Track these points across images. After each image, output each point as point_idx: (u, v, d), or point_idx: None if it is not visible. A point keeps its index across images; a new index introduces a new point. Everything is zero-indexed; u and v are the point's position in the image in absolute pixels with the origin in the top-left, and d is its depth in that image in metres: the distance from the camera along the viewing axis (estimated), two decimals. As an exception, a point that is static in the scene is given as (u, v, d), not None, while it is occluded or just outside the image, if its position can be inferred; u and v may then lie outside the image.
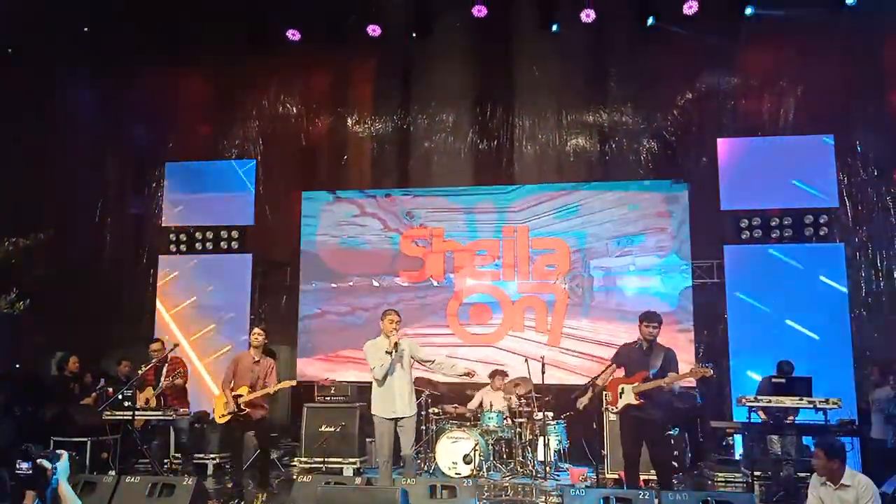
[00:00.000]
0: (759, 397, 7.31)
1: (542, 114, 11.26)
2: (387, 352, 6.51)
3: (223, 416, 7.38)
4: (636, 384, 6.41)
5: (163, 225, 11.37)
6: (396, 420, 6.55)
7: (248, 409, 7.28)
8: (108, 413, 8.03)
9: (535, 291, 10.70)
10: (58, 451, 3.31)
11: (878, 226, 10.05)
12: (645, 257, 10.37)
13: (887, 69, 10.14)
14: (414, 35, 10.77)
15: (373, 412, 6.69)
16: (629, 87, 10.89)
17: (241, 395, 7.30)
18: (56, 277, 10.96)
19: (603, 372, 6.62)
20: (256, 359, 7.54)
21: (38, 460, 3.22)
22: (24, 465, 3.21)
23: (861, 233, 10.07)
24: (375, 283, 11.10)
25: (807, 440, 7.76)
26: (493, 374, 9.46)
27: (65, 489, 3.24)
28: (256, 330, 7.71)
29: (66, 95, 11.57)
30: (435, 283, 10.97)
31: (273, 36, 10.87)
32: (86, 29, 11.13)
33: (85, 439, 8.48)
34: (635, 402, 6.39)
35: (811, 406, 6.94)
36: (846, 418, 7.57)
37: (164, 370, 8.37)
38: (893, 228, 10.01)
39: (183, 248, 11.21)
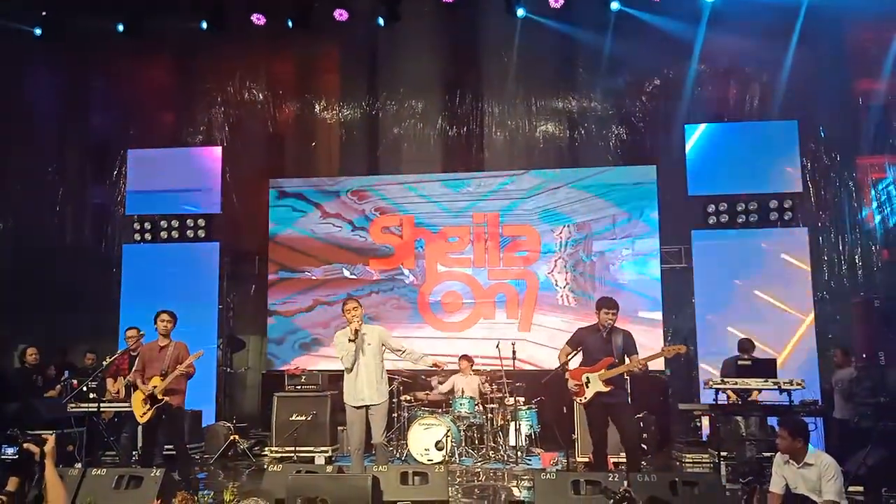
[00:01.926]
0: (726, 379, 7.41)
1: (511, 100, 11.27)
2: (349, 340, 6.50)
3: (144, 414, 6.89)
4: (602, 371, 6.41)
5: (126, 214, 11.13)
6: (367, 408, 6.54)
7: (166, 398, 6.85)
8: (73, 405, 7.88)
9: (507, 278, 10.74)
10: (44, 436, 3.22)
11: (841, 210, 10.24)
12: (612, 241, 10.49)
13: (850, 55, 10.30)
14: (381, 20, 10.66)
15: (344, 400, 6.68)
16: (597, 73, 10.93)
17: (155, 387, 6.85)
18: (18, 269, 10.72)
19: (568, 359, 6.61)
20: (163, 345, 7.05)
21: (25, 445, 3.13)
22: (10, 451, 3.12)
23: (824, 217, 10.25)
24: (347, 274, 11.03)
25: (771, 421, 7.89)
26: (461, 359, 9.47)
27: (52, 473, 3.16)
28: (164, 315, 7.11)
29: (25, 82, 11.27)
30: (406, 272, 10.94)
31: (237, 20, 10.70)
32: (44, 13, 10.85)
33: (50, 432, 8.29)
34: (605, 389, 6.37)
35: (775, 387, 7.06)
36: (809, 399, 7.71)
37: (138, 359, 8.15)
38: (855, 212, 10.21)
39: (148, 237, 10.98)
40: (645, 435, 8.46)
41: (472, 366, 9.40)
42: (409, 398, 9.12)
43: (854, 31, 10.13)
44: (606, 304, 6.57)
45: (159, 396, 6.81)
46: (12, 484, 3.12)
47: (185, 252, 10.84)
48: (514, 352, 8.43)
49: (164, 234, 10.93)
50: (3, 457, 3.12)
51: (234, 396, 11.37)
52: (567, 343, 6.73)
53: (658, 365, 9.20)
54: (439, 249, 10.91)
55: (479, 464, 8.43)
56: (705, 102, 10.67)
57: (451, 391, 9.22)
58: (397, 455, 8.73)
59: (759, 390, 7.38)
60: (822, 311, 9.66)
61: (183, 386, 7.04)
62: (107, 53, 11.06)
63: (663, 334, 10.15)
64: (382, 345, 6.71)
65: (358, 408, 6.55)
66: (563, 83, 11.17)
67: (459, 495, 6.96)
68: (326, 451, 8.90)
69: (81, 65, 11.27)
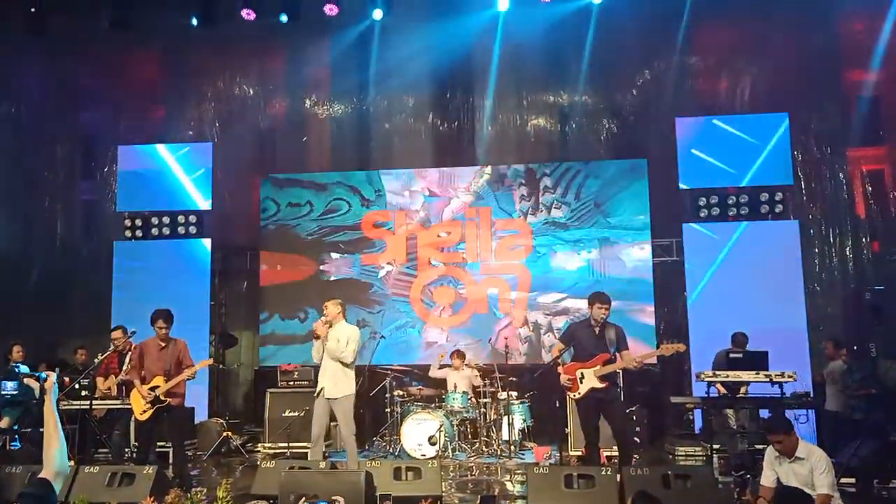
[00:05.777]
0: (717, 372, 7.43)
1: (501, 94, 11.24)
2: (314, 336, 6.80)
3: (144, 412, 6.83)
4: (598, 367, 6.38)
5: (117, 210, 11.05)
6: (329, 401, 6.66)
7: (168, 399, 6.82)
8: (65, 402, 7.83)
9: (499, 272, 10.73)
10: (45, 373, 3.19)
11: (832, 202, 10.26)
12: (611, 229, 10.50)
13: (841, 48, 10.33)
14: (372, 14, 10.63)
15: None
16: (587, 66, 10.91)
17: (157, 387, 6.79)
18: (8, 265, 10.66)
19: (560, 354, 6.61)
20: (163, 344, 6.96)
21: (26, 380, 3.11)
22: (10, 385, 3.09)
23: (815, 210, 10.27)
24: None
25: (763, 413, 7.92)
26: (453, 355, 9.46)
27: (51, 406, 3.13)
28: (160, 322, 6.94)
29: (13, 77, 11.19)
30: (396, 265, 10.92)
31: (227, 15, 10.64)
32: (32, 9, 10.75)
33: (40, 429, 8.24)
34: (600, 386, 6.33)
35: (767, 380, 7.08)
36: (801, 391, 7.75)
37: (128, 357, 8.12)
38: (846, 205, 10.24)
39: (139, 233, 10.90)
40: (637, 428, 8.48)
41: (464, 362, 9.39)
42: (401, 393, 9.11)
43: (845, 23, 10.15)
44: (599, 298, 6.52)
45: (162, 398, 6.81)
46: (5, 422, 3.11)
47: (176, 248, 10.79)
48: (506, 346, 8.45)
49: (155, 231, 10.86)
50: (3, 392, 3.09)
51: (226, 393, 11.34)
52: (560, 339, 6.73)
53: (650, 359, 9.21)
54: (431, 244, 10.89)
55: (472, 458, 8.44)
56: (696, 95, 10.67)
57: (445, 382, 9.23)
58: (390, 450, 8.74)
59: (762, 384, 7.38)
60: (813, 303, 9.69)
61: (183, 389, 7.05)
62: (96, 48, 10.99)
63: (655, 327, 10.17)
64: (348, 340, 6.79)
65: (317, 397, 6.71)
66: (554, 77, 11.16)
67: (453, 490, 6.97)
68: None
69: (70, 60, 11.20)
